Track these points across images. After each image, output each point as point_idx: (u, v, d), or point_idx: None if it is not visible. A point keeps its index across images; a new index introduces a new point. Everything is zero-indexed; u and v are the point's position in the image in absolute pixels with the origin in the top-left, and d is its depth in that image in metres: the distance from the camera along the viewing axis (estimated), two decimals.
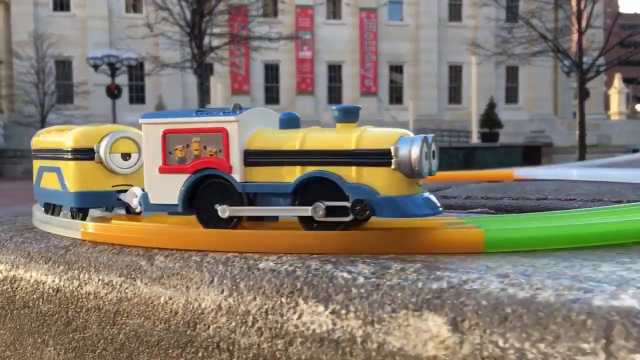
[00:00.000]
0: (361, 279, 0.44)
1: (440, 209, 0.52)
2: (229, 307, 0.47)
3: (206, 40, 10.87)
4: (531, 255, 0.48)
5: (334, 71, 22.85)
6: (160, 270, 0.52)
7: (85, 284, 0.56)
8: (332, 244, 0.50)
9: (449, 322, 0.39)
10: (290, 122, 0.55)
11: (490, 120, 18.01)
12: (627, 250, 0.50)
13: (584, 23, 12.14)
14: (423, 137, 0.50)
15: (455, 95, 23.61)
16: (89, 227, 0.61)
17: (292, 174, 0.52)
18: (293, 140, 0.52)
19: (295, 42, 19.01)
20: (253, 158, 0.53)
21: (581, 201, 0.87)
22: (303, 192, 0.52)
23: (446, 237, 0.50)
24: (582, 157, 11.76)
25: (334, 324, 0.42)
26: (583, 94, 12.29)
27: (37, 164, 0.71)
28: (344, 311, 0.42)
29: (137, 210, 0.62)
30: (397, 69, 23.35)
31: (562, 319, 0.36)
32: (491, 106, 18.14)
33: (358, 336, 0.41)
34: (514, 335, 0.36)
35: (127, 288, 0.53)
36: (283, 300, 0.45)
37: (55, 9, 20.63)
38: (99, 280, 0.55)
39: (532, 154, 12.90)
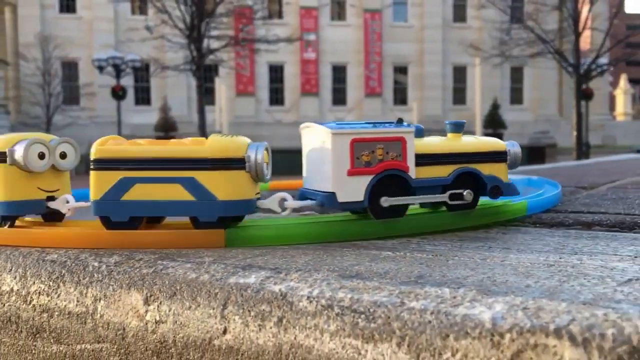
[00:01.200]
0: (103, 267, 0.57)
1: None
2: (18, 290, 0.60)
3: (205, 42, 11.02)
4: (255, 248, 0.61)
5: (339, 72, 22.97)
6: None
7: None
8: (110, 240, 0.64)
9: (143, 297, 0.52)
10: (418, 132, 0.70)
11: (494, 121, 18.14)
12: (331, 247, 0.63)
13: (582, 24, 12.22)
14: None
15: (459, 96, 23.67)
16: None
17: (447, 171, 0.70)
18: (448, 146, 0.71)
19: (299, 43, 19.14)
20: (422, 160, 0.69)
21: None
22: (450, 185, 0.70)
23: (195, 235, 0.63)
24: (579, 158, 11.83)
25: (78, 301, 0.56)
26: (580, 94, 12.37)
27: (116, 175, 0.65)
28: (85, 291, 0.56)
29: (284, 213, 0.67)
30: (401, 69, 23.45)
31: (205, 292, 0.49)
32: (495, 107, 18.27)
33: (90, 310, 0.54)
34: (175, 304, 0.50)
35: None
36: (51, 284, 0.58)
37: (61, 10, 20.80)
38: None
39: (536, 155, 13.01)
